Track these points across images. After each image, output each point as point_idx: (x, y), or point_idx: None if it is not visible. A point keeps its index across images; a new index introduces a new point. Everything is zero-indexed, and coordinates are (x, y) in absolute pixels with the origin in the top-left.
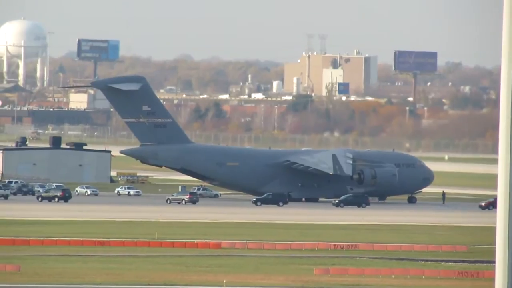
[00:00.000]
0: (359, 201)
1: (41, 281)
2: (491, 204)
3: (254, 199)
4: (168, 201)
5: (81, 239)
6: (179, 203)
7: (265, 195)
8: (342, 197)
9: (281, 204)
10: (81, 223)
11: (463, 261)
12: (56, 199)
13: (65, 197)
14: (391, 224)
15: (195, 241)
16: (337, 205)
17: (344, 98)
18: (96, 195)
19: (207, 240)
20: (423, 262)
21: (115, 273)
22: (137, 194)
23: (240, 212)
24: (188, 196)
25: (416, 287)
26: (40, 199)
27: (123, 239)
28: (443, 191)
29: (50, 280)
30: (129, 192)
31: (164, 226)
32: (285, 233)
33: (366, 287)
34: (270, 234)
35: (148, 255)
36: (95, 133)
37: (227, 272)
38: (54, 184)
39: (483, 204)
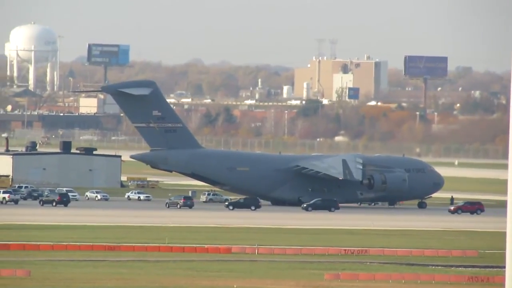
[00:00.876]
0: (328, 205)
1: (51, 286)
2: (460, 208)
3: (226, 203)
4: (167, 205)
5: (91, 244)
6: (177, 207)
7: (238, 199)
8: (311, 201)
9: (253, 208)
10: (91, 228)
11: (474, 266)
12: (54, 203)
13: (63, 201)
14: (401, 229)
15: (206, 246)
16: (306, 209)
17: (354, 103)
18: (106, 200)
19: (217, 245)
20: (434, 267)
21: (125, 278)
22: (147, 199)
23: (250, 217)
24: (182, 200)
25: None
26: (41, 203)
27: (134, 244)
28: (451, 196)
29: (60, 285)
30: (139, 197)
31: (175, 231)
32: (296, 238)
33: None
34: (281, 239)
35: (159, 260)
36: (105, 138)
37: (237, 277)
38: (64, 189)
39: (452, 208)
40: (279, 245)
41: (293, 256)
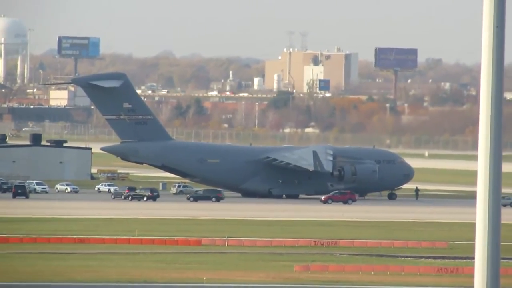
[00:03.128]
0: (210, 196)
1: (20, 279)
2: (331, 198)
3: (127, 193)
4: (112, 196)
5: (60, 236)
6: (121, 197)
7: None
8: (194, 193)
9: (145, 199)
10: (61, 220)
11: (443, 257)
12: (13, 195)
13: (18, 193)
14: (371, 221)
15: (176, 238)
16: (188, 199)
17: (324, 94)
18: (76, 192)
19: (187, 237)
20: (403, 258)
21: (95, 271)
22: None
23: (220, 209)
24: (126, 191)
25: (396, 283)
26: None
27: (103, 237)
28: (416, 187)
29: (29, 278)
30: (109, 189)
31: (145, 223)
32: (266, 229)
33: (346, 284)
34: (251, 230)
35: (128, 252)
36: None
37: (207, 269)
38: (34, 181)
39: (323, 198)
40: (249, 237)
41: (263, 248)
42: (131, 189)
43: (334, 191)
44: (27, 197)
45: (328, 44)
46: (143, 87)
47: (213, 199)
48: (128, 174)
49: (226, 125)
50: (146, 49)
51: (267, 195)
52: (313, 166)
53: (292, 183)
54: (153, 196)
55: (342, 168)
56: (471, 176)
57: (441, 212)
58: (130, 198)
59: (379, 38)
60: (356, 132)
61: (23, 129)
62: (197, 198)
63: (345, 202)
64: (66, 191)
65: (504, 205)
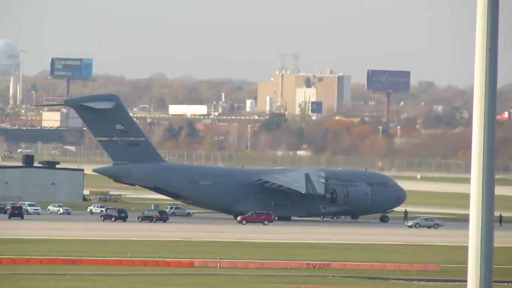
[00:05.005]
0: (151, 216)
1: None
2: (245, 219)
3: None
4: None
5: (53, 257)
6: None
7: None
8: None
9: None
10: (54, 242)
11: (435, 280)
12: None
13: (14, 213)
14: (363, 243)
15: (168, 259)
16: (138, 218)
17: (317, 117)
18: (68, 213)
19: (179, 259)
20: (395, 281)
21: None
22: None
23: (213, 231)
24: (104, 211)
25: None
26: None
27: (96, 258)
28: (405, 210)
29: None
30: (101, 211)
31: (137, 245)
32: (258, 251)
33: None
34: (243, 252)
35: (121, 274)
36: (68, 151)
37: None
38: (27, 203)
39: (239, 218)
40: (241, 258)
41: (255, 270)
42: (108, 209)
43: (251, 212)
44: (22, 218)
45: (320, 66)
46: (135, 109)
47: (153, 219)
48: (121, 195)
49: (218, 147)
50: (139, 70)
51: None
52: (306, 188)
53: (284, 206)
54: (121, 216)
55: (334, 191)
56: (463, 199)
57: (433, 234)
58: (102, 219)
59: (371, 60)
60: (349, 154)
61: (18, 150)
62: (144, 218)
63: (266, 222)
64: (59, 213)
65: (429, 227)
